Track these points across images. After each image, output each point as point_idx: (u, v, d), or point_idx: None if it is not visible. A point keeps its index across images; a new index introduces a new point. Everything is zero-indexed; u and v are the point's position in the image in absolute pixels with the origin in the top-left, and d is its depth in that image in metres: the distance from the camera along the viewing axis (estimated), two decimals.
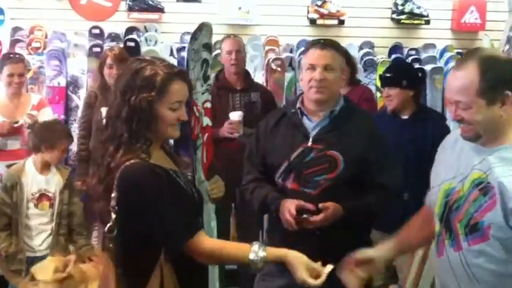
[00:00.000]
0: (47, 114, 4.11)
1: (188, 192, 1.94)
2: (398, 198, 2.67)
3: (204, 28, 2.31)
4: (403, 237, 2.25)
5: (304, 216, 2.38)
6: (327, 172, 2.45)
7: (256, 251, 1.82)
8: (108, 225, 1.85)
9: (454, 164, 2.01)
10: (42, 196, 3.43)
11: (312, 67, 2.49)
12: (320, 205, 2.38)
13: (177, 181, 1.91)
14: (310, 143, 2.49)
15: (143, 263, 1.86)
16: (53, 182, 3.45)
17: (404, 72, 3.71)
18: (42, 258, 2.96)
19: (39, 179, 3.45)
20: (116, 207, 1.83)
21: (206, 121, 2.33)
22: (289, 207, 2.41)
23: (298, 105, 2.59)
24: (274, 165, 2.55)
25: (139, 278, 1.85)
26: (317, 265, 1.85)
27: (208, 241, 1.87)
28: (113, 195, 1.83)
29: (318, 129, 2.52)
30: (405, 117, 3.58)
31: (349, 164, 2.44)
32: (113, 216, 1.84)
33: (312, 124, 2.53)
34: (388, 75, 3.64)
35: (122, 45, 4.60)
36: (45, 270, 2.38)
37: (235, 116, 3.86)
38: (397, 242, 2.23)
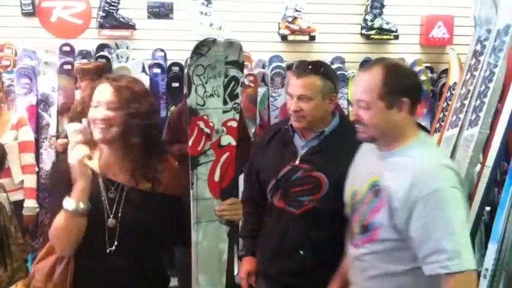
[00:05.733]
0: (26, 133, 4.07)
1: (95, 200, 2.08)
2: None
3: (232, 46, 2.29)
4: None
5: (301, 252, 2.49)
6: (311, 193, 2.44)
7: (68, 201, 2.03)
8: None
9: (360, 169, 2.18)
10: None
11: (290, 95, 2.48)
12: None
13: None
14: (297, 162, 2.48)
15: None
16: None
17: None
18: None
19: None
20: None
21: (228, 140, 2.30)
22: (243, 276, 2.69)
23: (291, 122, 2.56)
24: (265, 181, 2.58)
25: None
26: None
27: None
28: None
29: (306, 149, 2.51)
30: None
31: (334, 187, 2.39)
32: None
33: (302, 143, 2.52)
34: None
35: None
36: None
37: None
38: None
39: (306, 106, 2.43)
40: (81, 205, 2.02)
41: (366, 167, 2.13)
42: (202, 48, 2.23)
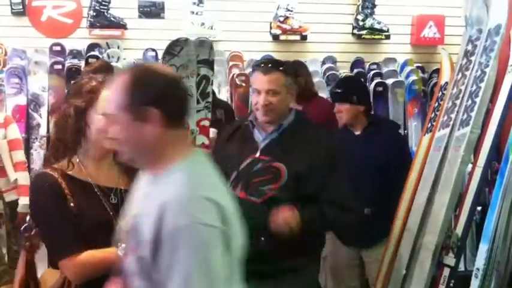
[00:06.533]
0: (14, 131, 4.03)
1: (99, 210, 1.97)
2: (351, 215, 2.64)
3: (203, 44, 2.28)
4: None
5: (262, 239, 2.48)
6: (271, 182, 2.55)
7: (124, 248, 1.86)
8: (25, 225, 2.19)
9: (136, 195, 1.82)
10: None
11: (257, 91, 2.63)
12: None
13: (87, 198, 1.97)
14: (258, 154, 2.61)
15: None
16: None
17: (354, 88, 3.65)
18: None
19: None
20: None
21: (201, 139, 2.30)
22: None
23: (250, 118, 2.73)
24: (227, 174, 2.63)
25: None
26: None
27: (80, 256, 1.91)
28: None
29: (266, 142, 2.64)
30: (358, 132, 3.53)
31: (292, 176, 2.53)
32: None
33: (262, 136, 2.66)
34: (338, 90, 3.59)
35: (83, 62, 4.56)
36: None
37: (210, 133, 3.85)
38: None
39: (274, 100, 2.59)
40: None
41: (138, 193, 1.75)
42: (174, 48, 2.23)
